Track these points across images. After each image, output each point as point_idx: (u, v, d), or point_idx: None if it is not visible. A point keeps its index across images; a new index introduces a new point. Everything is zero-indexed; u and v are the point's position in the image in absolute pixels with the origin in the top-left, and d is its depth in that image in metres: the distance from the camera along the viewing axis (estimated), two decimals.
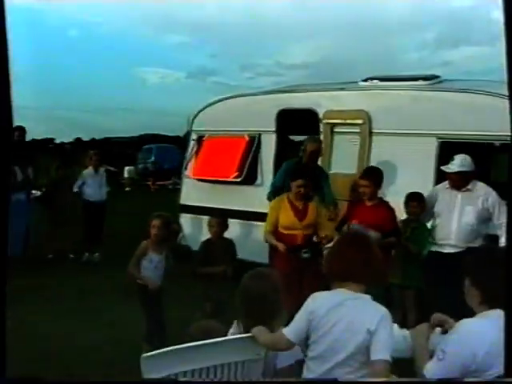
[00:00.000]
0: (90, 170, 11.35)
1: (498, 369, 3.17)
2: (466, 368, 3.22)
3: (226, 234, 6.69)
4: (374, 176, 6.86)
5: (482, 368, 3.20)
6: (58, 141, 51.38)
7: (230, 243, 6.71)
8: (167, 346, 3.12)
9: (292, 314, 3.50)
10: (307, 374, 3.46)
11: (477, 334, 3.28)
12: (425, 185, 7.12)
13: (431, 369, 3.34)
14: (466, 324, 3.35)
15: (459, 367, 3.24)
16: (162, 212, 6.43)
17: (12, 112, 2.09)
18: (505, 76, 2.33)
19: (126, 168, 28.52)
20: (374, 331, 3.29)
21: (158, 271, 6.18)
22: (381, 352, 3.33)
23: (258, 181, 8.96)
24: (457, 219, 6.48)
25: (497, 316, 3.33)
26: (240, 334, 3.51)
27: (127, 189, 26.61)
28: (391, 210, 6.78)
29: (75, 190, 11.15)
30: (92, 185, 11.26)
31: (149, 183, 28.02)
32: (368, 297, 3.49)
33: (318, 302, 3.52)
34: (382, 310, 3.42)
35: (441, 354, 3.29)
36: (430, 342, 3.57)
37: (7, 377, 2.29)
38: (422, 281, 6.67)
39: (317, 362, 3.42)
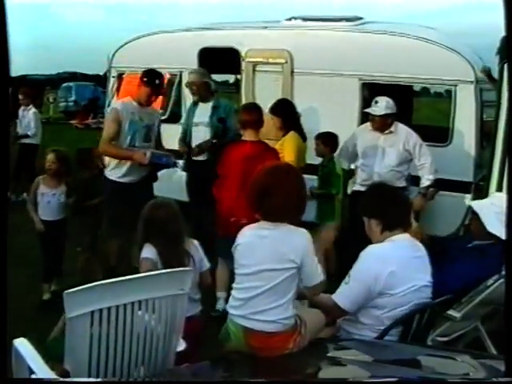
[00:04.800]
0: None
1: (404, 287, 3.50)
2: (371, 291, 3.52)
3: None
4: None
5: (387, 289, 3.50)
6: None
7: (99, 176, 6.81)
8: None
9: None
10: (232, 302, 3.51)
11: (378, 257, 3.59)
12: (349, 126, 7.21)
13: (339, 292, 3.64)
14: (368, 250, 3.66)
15: (363, 289, 3.54)
16: (57, 147, 6.54)
17: None
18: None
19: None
20: (301, 260, 3.34)
21: (51, 206, 6.26)
22: (314, 277, 3.41)
23: (183, 119, 8.81)
24: (379, 161, 6.64)
25: (401, 239, 3.67)
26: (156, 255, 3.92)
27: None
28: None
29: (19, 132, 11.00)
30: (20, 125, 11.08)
31: (73, 122, 27.46)
32: (286, 224, 3.44)
33: (242, 235, 3.59)
34: (304, 237, 3.41)
35: (347, 279, 3.62)
36: None
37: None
38: (338, 219, 6.84)
39: (241, 292, 3.46)
